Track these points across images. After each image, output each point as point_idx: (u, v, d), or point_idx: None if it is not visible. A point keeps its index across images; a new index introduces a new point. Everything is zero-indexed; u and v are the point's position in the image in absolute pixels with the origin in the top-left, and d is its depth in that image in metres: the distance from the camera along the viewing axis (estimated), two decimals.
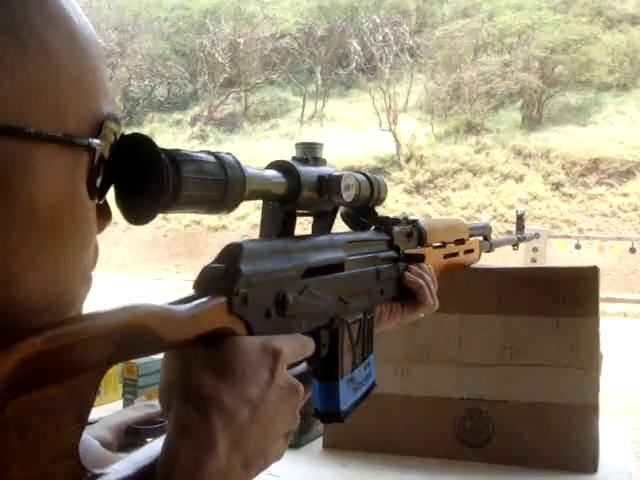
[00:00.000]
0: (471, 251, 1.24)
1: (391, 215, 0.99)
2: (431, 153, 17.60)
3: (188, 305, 0.53)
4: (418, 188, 17.22)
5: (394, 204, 16.69)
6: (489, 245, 1.37)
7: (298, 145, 0.74)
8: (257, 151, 18.52)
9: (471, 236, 1.26)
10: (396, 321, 0.98)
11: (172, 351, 0.55)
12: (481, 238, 1.31)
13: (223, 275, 0.58)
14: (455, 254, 1.16)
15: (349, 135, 18.54)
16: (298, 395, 0.60)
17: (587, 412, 1.17)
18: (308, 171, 0.71)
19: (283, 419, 0.59)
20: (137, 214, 0.50)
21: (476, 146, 17.52)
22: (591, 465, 1.17)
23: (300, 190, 0.69)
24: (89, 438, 0.76)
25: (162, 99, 20.54)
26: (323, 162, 0.75)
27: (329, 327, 0.76)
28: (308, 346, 0.66)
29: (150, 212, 0.50)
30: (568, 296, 1.20)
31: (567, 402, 1.18)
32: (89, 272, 0.50)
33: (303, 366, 0.73)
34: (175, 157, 0.51)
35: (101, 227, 0.51)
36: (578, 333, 1.18)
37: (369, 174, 0.87)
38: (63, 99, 0.44)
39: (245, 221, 17.12)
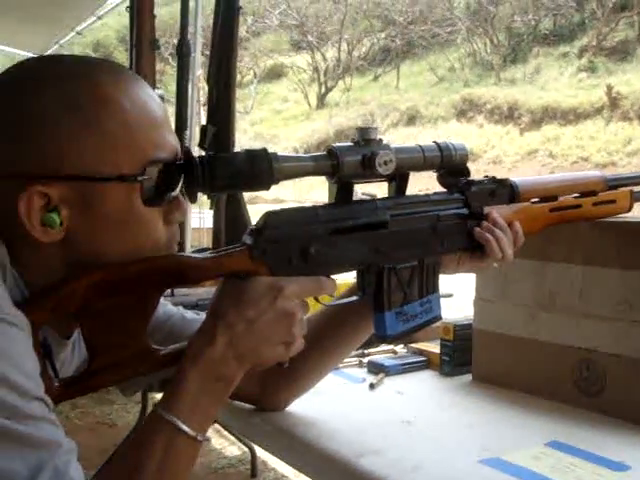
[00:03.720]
0: (611, 202, 1.24)
1: (479, 177, 1.12)
2: None
3: (214, 254, 0.88)
4: None
5: None
6: None
7: (357, 129, 0.98)
8: None
9: (615, 187, 1.26)
10: (466, 268, 1.13)
11: (219, 281, 0.88)
12: (632, 189, 1.29)
13: (250, 234, 0.89)
14: (575, 206, 1.20)
15: None
16: (291, 318, 0.87)
17: None
18: (352, 151, 0.94)
19: (276, 333, 0.86)
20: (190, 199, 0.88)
21: None
22: None
23: (340, 167, 0.93)
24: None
25: (547, 32, 19.84)
26: (376, 142, 0.96)
27: (369, 271, 0.99)
28: (325, 285, 0.93)
29: (195, 195, 0.87)
30: None
31: None
32: (161, 248, 0.86)
33: (352, 298, 1.03)
34: (210, 161, 0.84)
35: (178, 216, 0.88)
36: None
37: (442, 142, 1.04)
38: (119, 156, 0.81)
39: (637, 157, 15.90)
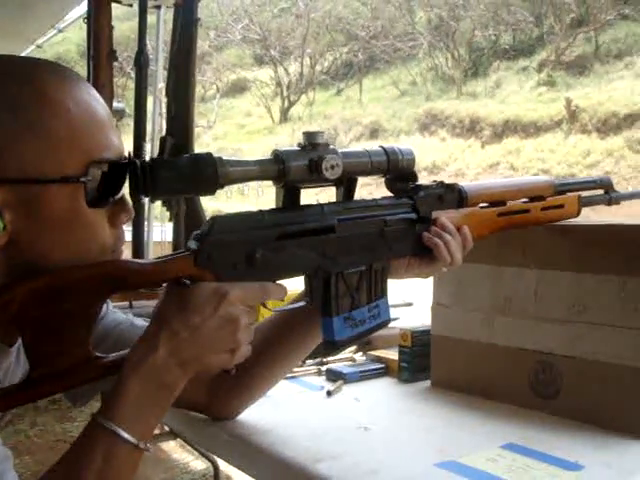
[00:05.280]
0: (560, 207, 1.26)
1: (426, 182, 1.12)
2: None
3: (158, 260, 0.86)
4: None
5: None
6: (608, 198, 1.36)
7: (303, 133, 0.96)
8: (609, 93, 17.30)
9: (563, 192, 1.27)
10: (415, 272, 1.11)
11: (165, 286, 0.86)
12: (580, 194, 1.31)
13: (195, 239, 0.87)
14: (523, 211, 1.21)
15: None
16: (235, 324, 0.84)
17: None
18: (298, 156, 0.92)
19: (221, 340, 0.84)
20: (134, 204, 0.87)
21: None
22: None
23: (286, 172, 0.91)
24: None
25: (507, 47, 20.16)
26: (323, 146, 0.94)
27: (317, 276, 0.97)
28: (271, 291, 0.90)
29: (138, 199, 0.85)
30: (637, 256, 1.15)
31: (629, 364, 1.15)
32: (107, 249, 0.85)
33: (300, 303, 1.00)
34: (153, 164, 0.82)
35: (125, 218, 0.87)
36: None
37: (389, 147, 1.03)
38: (62, 157, 0.79)
39: (596, 168, 16.20)
